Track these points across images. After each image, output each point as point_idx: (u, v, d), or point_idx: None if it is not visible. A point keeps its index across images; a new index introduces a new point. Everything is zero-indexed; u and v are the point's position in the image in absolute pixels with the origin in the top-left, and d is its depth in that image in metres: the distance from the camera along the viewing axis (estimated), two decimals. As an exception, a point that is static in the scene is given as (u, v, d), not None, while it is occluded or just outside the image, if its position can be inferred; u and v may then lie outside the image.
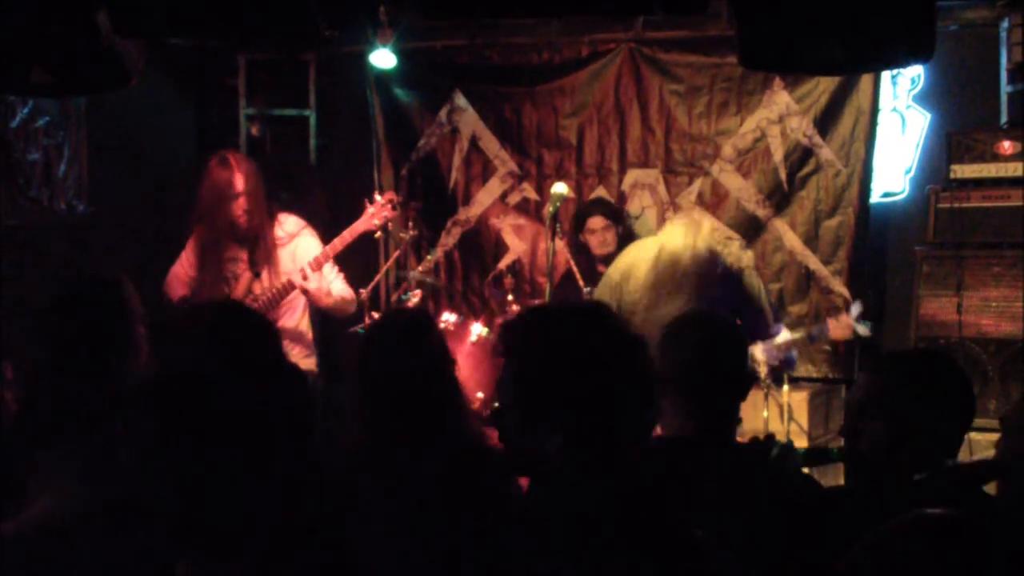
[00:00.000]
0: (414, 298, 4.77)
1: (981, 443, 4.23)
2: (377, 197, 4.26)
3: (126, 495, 1.42)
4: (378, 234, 4.32)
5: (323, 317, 4.60)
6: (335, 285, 4.28)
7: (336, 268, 4.28)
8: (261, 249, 4.19)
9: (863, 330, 4.07)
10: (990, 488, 2.12)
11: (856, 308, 4.10)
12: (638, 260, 4.01)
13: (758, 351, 3.96)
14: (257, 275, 4.21)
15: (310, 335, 4.44)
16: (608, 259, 4.85)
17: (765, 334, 4.03)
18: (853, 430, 2.05)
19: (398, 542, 2.16)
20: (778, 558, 1.89)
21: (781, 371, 4.11)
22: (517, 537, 1.53)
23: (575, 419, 1.54)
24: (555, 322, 1.67)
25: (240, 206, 4.10)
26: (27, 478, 1.91)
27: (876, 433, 1.99)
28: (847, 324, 4.06)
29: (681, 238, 3.84)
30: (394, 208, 4.27)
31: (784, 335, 4.08)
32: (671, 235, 3.93)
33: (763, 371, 3.98)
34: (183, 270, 4.33)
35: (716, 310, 3.33)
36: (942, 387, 2.01)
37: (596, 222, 4.93)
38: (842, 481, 4.82)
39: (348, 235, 4.17)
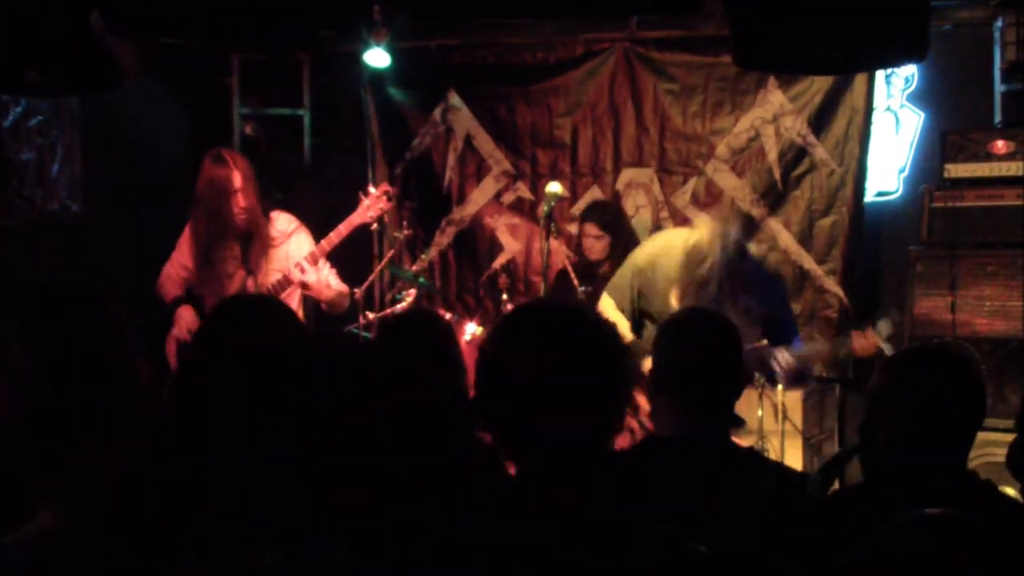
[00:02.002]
0: (408, 297, 4.77)
1: (976, 442, 4.21)
2: (372, 189, 4.27)
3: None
4: (374, 226, 4.33)
5: (319, 316, 4.60)
6: (330, 279, 4.28)
7: (328, 264, 4.27)
8: (255, 246, 4.18)
9: (888, 349, 3.90)
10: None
11: (885, 328, 3.91)
12: (668, 249, 3.87)
13: (782, 358, 3.86)
14: (251, 272, 4.20)
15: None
16: (598, 264, 4.89)
17: (792, 335, 3.94)
18: (867, 426, 2.05)
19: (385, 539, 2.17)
20: (776, 558, 1.89)
21: (795, 383, 3.95)
22: (492, 538, 1.52)
23: (539, 417, 1.53)
24: (531, 324, 1.64)
25: (238, 203, 4.08)
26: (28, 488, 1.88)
27: (888, 430, 1.99)
28: (873, 342, 3.89)
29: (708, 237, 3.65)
30: (389, 199, 4.27)
31: (806, 346, 3.98)
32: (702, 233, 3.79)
33: (779, 378, 3.81)
34: (175, 270, 4.32)
35: (712, 310, 3.32)
36: (953, 385, 2.01)
37: (590, 228, 4.97)
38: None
39: (344, 228, 4.17)
